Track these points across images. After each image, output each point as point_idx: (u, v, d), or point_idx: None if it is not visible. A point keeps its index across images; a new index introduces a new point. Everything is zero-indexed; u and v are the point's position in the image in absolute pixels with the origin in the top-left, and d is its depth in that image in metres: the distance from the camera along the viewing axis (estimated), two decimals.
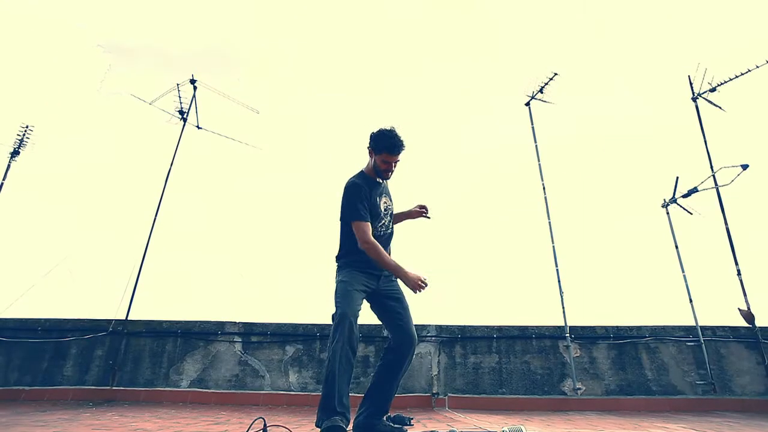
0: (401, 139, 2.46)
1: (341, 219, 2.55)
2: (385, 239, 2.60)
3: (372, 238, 2.39)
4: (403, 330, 2.46)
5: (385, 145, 2.45)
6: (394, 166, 2.54)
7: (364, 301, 2.47)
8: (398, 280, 2.57)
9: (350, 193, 2.48)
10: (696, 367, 4.46)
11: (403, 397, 4.19)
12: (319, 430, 2.13)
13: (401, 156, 2.52)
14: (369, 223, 2.44)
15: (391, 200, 2.69)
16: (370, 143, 2.53)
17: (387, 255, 2.44)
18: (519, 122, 5.86)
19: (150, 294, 5.15)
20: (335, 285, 2.46)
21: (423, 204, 2.78)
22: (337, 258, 2.58)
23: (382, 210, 2.57)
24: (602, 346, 4.60)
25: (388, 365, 2.45)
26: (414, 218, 2.79)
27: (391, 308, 2.51)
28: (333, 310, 2.40)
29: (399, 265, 2.38)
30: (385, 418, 2.52)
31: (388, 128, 2.47)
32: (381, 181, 2.62)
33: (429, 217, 2.77)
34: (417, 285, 2.31)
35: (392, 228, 2.67)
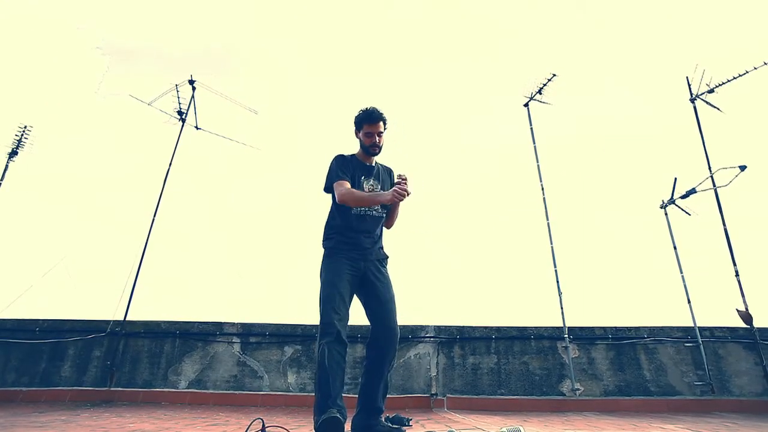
0: (379, 111, 2.53)
1: (325, 190, 2.59)
2: (369, 220, 2.52)
3: (347, 189, 2.43)
4: (382, 324, 2.43)
5: (363, 116, 2.53)
6: (379, 139, 2.55)
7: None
8: (387, 267, 2.57)
9: (332, 162, 2.58)
10: (694, 367, 4.47)
11: (402, 398, 4.19)
12: (317, 427, 2.11)
13: (384, 129, 2.56)
14: (346, 181, 2.47)
15: (381, 187, 2.62)
16: (354, 126, 2.60)
17: (362, 193, 2.47)
18: (518, 123, 5.87)
19: (148, 295, 5.15)
20: (320, 280, 2.42)
21: (401, 174, 2.45)
22: (323, 239, 2.56)
23: (366, 190, 2.56)
24: (601, 347, 4.61)
25: (372, 361, 2.43)
26: (398, 198, 2.33)
27: (375, 301, 2.46)
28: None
29: (374, 194, 2.45)
30: (383, 418, 2.52)
31: (367, 106, 2.56)
32: (373, 164, 2.64)
33: (408, 193, 2.34)
34: (396, 195, 2.29)
35: (380, 212, 2.58)
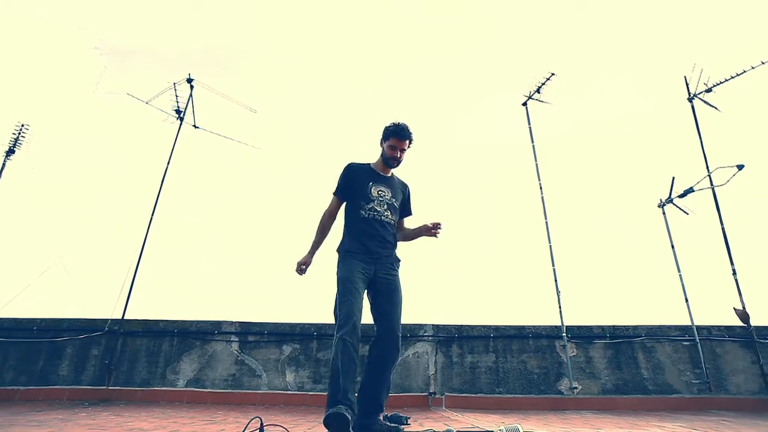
0: (410, 130, 2.65)
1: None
2: (379, 225, 2.59)
3: (326, 214, 2.70)
4: (386, 326, 2.50)
5: (394, 130, 2.62)
6: (401, 155, 2.66)
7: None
8: (398, 271, 2.63)
9: (342, 171, 2.72)
10: (692, 366, 4.48)
11: (400, 397, 4.20)
12: (324, 419, 2.12)
13: (408, 147, 2.68)
14: (337, 198, 2.69)
15: (393, 194, 2.70)
16: (382, 135, 2.70)
17: (318, 235, 2.67)
18: (516, 122, 5.88)
19: (146, 293, 5.15)
20: (336, 279, 2.49)
21: (437, 222, 2.69)
22: (337, 248, 2.64)
23: (375, 195, 2.63)
24: (599, 346, 4.62)
25: (374, 362, 2.49)
26: (424, 235, 2.75)
27: (382, 302, 2.52)
28: (331, 307, 2.43)
29: (312, 245, 2.65)
30: (381, 417, 2.52)
31: (400, 121, 2.67)
32: (387, 174, 2.73)
33: (436, 236, 2.70)
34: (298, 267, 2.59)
35: (388, 217, 2.64)
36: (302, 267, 2.61)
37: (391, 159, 2.66)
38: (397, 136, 2.62)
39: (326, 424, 2.08)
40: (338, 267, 2.54)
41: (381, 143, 2.71)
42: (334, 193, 2.71)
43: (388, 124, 2.68)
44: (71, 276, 5.29)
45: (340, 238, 2.67)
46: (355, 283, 2.41)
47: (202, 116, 5.98)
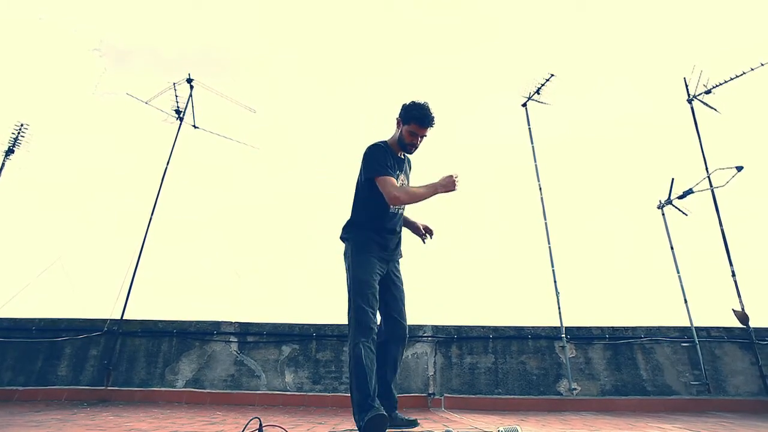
0: (433, 115, 2.40)
1: (362, 179, 2.46)
2: (398, 218, 2.54)
3: (398, 190, 2.32)
4: (396, 322, 2.48)
5: (416, 115, 2.38)
6: (420, 141, 2.46)
7: None
8: (400, 265, 2.60)
9: (375, 151, 2.42)
10: (691, 367, 4.48)
11: (399, 398, 4.18)
12: (363, 425, 2.13)
13: (429, 132, 2.45)
14: (394, 178, 2.36)
15: (408, 181, 2.60)
16: (400, 113, 2.46)
17: (417, 190, 2.33)
18: (516, 122, 5.88)
19: (146, 294, 5.14)
20: (350, 272, 2.38)
21: (431, 228, 2.71)
22: (348, 231, 2.48)
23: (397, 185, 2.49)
24: (598, 347, 4.62)
25: (389, 359, 2.49)
26: (414, 233, 2.72)
27: (390, 297, 2.49)
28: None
29: (428, 187, 2.32)
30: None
31: (422, 101, 2.41)
32: (403, 157, 2.58)
33: (424, 242, 2.73)
34: (451, 184, 2.28)
35: (404, 209, 2.60)
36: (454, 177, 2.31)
37: (409, 146, 2.46)
38: (419, 123, 2.37)
39: (370, 425, 2.07)
40: (353, 261, 2.37)
41: (399, 123, 2.46)
42: (388, 175, 2.34)
43: (409, 103, 2.41)
44: (70, 276, 5.28)
45: (353, 223, 2.49)
46: (376, 289, 2.34)
47: (202, 116, 5.98)
